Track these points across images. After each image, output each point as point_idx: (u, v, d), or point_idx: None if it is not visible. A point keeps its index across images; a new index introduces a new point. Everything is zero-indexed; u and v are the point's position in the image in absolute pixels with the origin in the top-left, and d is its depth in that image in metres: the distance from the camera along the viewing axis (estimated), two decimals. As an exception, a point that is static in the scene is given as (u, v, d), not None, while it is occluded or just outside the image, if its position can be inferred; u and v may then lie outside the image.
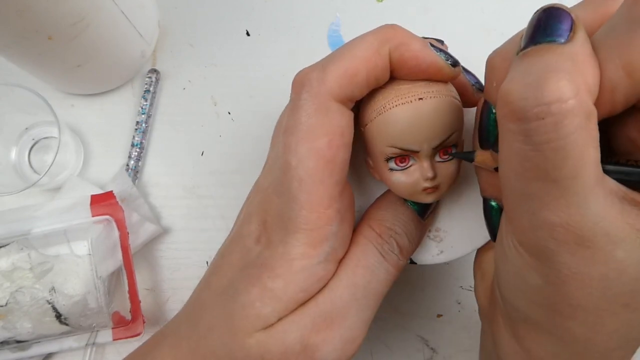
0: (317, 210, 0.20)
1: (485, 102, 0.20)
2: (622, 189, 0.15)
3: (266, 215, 0.21)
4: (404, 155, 0.21)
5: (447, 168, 0.21)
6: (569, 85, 0.14)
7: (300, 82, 0.20)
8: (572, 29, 0.15)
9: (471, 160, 0.21)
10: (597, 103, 0.15)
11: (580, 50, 0.15)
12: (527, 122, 0.14)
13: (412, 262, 0.24)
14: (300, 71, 0.22)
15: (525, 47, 0.15)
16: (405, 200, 0.23)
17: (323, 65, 0.20)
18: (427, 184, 0.21)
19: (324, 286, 0.21)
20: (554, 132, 0.14)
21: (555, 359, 0.17)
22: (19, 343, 0.30)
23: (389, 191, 0.24)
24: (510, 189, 0.16)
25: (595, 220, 0.14)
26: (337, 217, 0.20)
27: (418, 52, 0.20)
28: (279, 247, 0.20)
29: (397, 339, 0.34)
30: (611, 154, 0.16)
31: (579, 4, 0.18)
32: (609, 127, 0.17)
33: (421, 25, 0.38)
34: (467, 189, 0.24)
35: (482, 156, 0.20)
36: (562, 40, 0.15)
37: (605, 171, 0.15)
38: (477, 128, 0.20)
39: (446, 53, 0.21)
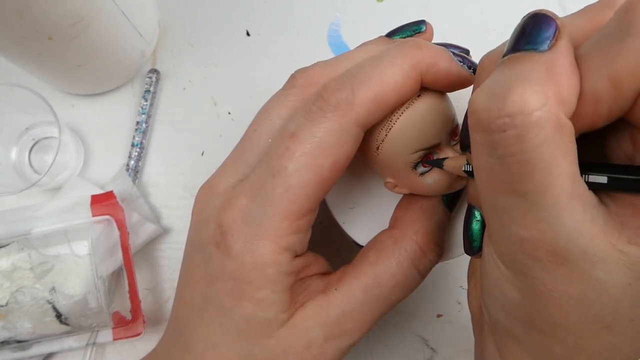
0: (291, 220, 0.19)
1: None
2: (609, 207, 0.14)
3: (225, 217, 0.20)
4: (427, 154, 0.21)
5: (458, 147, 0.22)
6: (535, 96, 0.13)
7: (327, 100, 0.19)
8: (555, 35, 0.14)
9: (440, 166, 0.21)
10: (578, 114, 0.14)
11: (560, 58, 0.14)
12: (490, 134, 0.14)
13: None
14: (298, 72, 0.22)
15: (505, 55, 0.15)
16: (442, 197, 0.23)
17: (352, 86, 0.19)
18: (464, 167, 0.21)
19: (351, 296, 0.21)
20: (517, 145, 0.13)
21: None
22: (19, 343, 0.30)
23: (420, 197, 0.23)
24: (483, 200, 0.16)
25: (570, 237, 0.14)
26: (305, 227, 0.20)
27: (448, 70, 0.20)
28: (246, 257, 0.19)
29: (397, 339, 0.34)
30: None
31: (577, 12, 0.17)
32: (605, 142, 0.16)
33: (421, 25, 0.38)
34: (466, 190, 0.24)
35: (453, 162, 0.20)
36: (544, 48, 0.14)
37: (597, 183, 0.14)
38: (460, 130, 0.21)
39: (466, 60, 0.21)
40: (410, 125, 0.20)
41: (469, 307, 0.22)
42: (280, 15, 0.38)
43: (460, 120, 0.23)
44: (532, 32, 0.15)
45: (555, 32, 0.14)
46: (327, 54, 0.38)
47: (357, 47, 0.23)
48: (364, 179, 0.25)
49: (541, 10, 0.15)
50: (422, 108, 0.20)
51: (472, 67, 0.21)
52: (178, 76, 0.37)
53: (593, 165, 0.15)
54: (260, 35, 0.38)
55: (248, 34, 0.38)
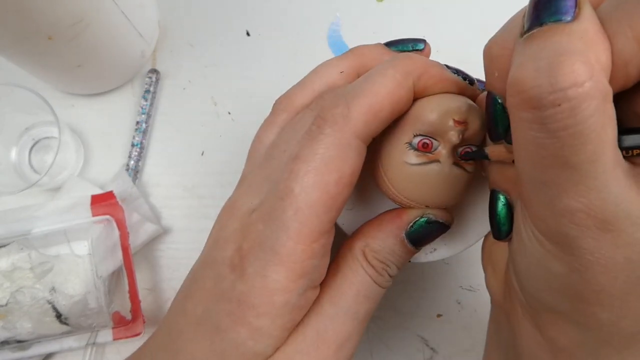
0: (304, 243, 0.19)
1: (489, 93, 0.19)
2: (637, 167, 0.15)
3: (243, 242, 0.20)
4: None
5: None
6: (584, 67, 0.13)
7: (323, 118, 0.20)
8: (576, 4, 0.14)
9: (486, 157, 0.20)
10: (610, 79, 0.14)
11: (590, 26, 0.14)
12: (543, 110, 0.14)
13: None
14: (280, 100, 0.23)
15: (530, 29, 0.15)
16: (407, 228, 0.22)
17: (347, 101, 0.20)
18: (457, 117, 0.20)
19: (321, 313, 0.21)
20: (572, 118, 0.13)
21: (580, 346, 0.17)
22: (19, 343, 0.30)
23: (390, 215, 0.23)
24: (527, 178, 0.16)
25: (617, 202, 0.14)
26: (321, 252, 0.20)
27: (439, 75, 0.20)
28: (257, 281, 0.19)
29: (397, 339, 0.34)
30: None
31: None
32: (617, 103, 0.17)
33: (421, 25, 0.38)
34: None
35: (496, 150, 0.20)
36: (569, 18, 0.14)
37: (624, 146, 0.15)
38: (486, 121, 0.20)
39: (461, 72, 0.21)
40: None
41: (490, 294, 0.22)
42: (280, 15, 0.38)
43: None
44: (554, 2, 0.14)
45: (575, 0, 0.14)
46: (327, 54, 0.38)
47: (322, 64, 0.24)
48: (361, 181, 0.25)
49: None
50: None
51: (467, 78, 0.21)
52: (178, 76, 0.37)
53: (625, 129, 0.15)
54: (260, 35, 0.38)
55: (248, 34, 0.38)
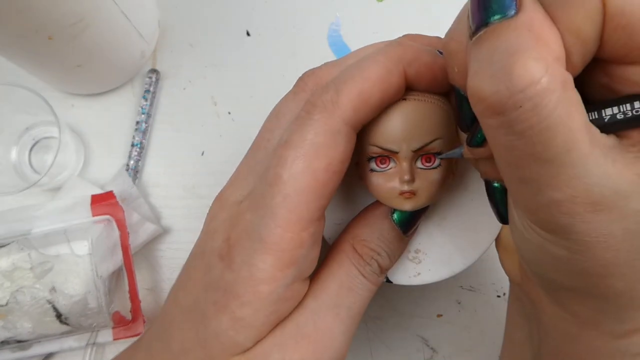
0: (292, 231, 0.19)
1: (453, 87, 0.19)
2: (621, 142, 0.15)
3: (231, 231, 0.20)
4: (385, 156, 0.21)
5: (428, 175, 0.21)
6: (537, 64, 0.13)
7: (313, 103, 0.19)
8: None
9: (460, 155, 0.20)
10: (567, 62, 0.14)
11: (534, 16, 0.14)
12: (507, 114, 0.14)
13: (388, 280, 0.24)
14: (306, 74, 0.21)
15: (477, 31, 0.15)
16: (391, 212, 0.23)
17: (336, 87, 0.19)
18: (405, 187, 0.21)
19: (303, 306, 0.21)
20: (536, 116, 0.13)
21: (604, 315, 0.17)
22: (19, 343, 0.30)
23: (374, 205, 0.23)
24: (508, 177, 0.16)
25: (601, 182, 0.14)
26: (310, 241, 0.20)
27: (432, 63, 0.20)
28: (243, 270, 0.19)
29: (397, 339, 0.34)
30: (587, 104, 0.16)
31: None
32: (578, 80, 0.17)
33: (421, 25, 0.38)
34: (450, 212, 0.24)
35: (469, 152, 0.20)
36: (512, 12, 0.14)
37: (601, 119, 0.15)
38: (459, 122, 0.20)
39: None
40: (379, 118, 0.20)
41: (508, 275, 0.22)
42: (280, 15, 0.38)
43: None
44: (493, 0, 0.14)
45: None
46: (327, 54, 0.38)
47: (365, 46, 0.23)
48: (353, 196, 0.25)
49: None
50: (402, 109, 0.20)
51: None
52: (178, 76, 0.37)
53: (594, 105, 0.15)
54: (260, 35, 0.38)
55: (248, 34, 0.38)
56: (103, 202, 0.32)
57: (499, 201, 0.20)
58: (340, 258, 0.22)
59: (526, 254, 0.18)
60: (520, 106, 0.13)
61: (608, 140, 0.15)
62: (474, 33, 0.15)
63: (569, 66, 0.14)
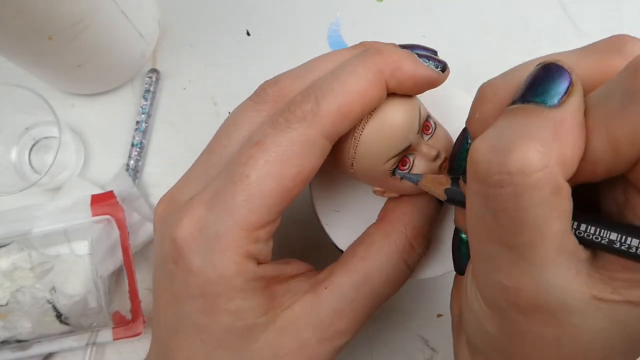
0: (249, 230, 0.19)
1: (464, 130, 0.19)
2: (598, 259, 0.14)
3: (179, 231, 0.19)
4: (403, 157, 0.21)
5: (437, 137, 0.21)
6: (537, 157, 0.13)
7: (293, 112, 0.19)
8: (567, 91, 0.14)
9: (416, 182, 0.20)
10: (576, 170, 0.14)
11: (569, 117, 0.13)
12: (487, 187, 0.14)
13: None
14: (268, 84, 0.21)
15: (514, 102, 0.15)
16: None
17: (316, 98, 0.19)
18: (438, 162, 0.21)
19: (339, 295, 0.21)
20: (512, 203, 0.13)
21: None
22: (19, 343, 0.30)
23: (417, 195, 0.23)
24: (471, 245, 0.16)
25: (551, 291, 0.14)
26: (265, 237, 0.20)
27: (413, 72, 0.20)
28: (209, 271, 0.19)
29: (397, 339, 0.34)
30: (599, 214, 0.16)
31: (584, 48, 0.16)
32: (600, 188, 0.16)
33: (421, 25, 0.38)
34: (448, 208, 0.24)
35: (431, 182, 0.20)
36: (554, 103, 0.14)
37: (584, 232, 0.14)
38: (450, 154, 0.20)
39: (433, 59, 0.21)
40: (375, 136, 0.20)
41: (451, 311, 0.22)
42: (280, 15, 0.38)
43: (433, 112, 0.22)
44: (545, 83, 0.14)
45: (569, 87, 0.14)
46: (327, 54, 0.38)
47: (325, 54, 0.23)
48: (353, 183, 0.25)
49: (555, 59, 0.14)
50: (384, 116, 0.20)
51: (440, 65, 0.21)
52: (178, 76, 0.37)
53: (588, 219, 0.14)
54: (260, 35, 0.38)
55: (248, 34, 0.38)
56: (103, 202, 0.32)
57: (462, 254, 0.20)
58: (391, 250, 0.22)
59: (464, 314, 0.18)
60: (502, 187, 0.13)
61: (582, 253, 0.14)
62: (512, 103, 0.15)
63: (590, 170, 0.14)
